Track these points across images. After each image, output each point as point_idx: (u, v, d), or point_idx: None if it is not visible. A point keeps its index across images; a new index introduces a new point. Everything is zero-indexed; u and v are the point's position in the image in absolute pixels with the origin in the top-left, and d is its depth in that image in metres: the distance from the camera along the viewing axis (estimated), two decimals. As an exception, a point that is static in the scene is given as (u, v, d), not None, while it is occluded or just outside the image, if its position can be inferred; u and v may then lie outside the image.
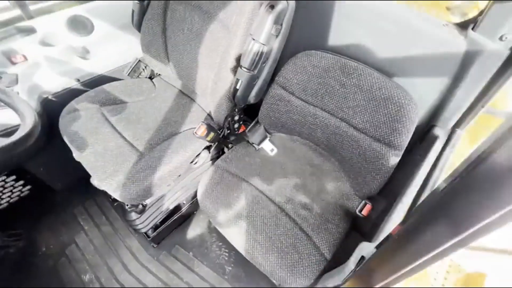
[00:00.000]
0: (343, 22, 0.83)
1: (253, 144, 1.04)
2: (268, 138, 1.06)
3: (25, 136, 0.77)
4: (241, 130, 1.13)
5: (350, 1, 0.80)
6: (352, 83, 0.78)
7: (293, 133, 1.03)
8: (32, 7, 1.21)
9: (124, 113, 1.04)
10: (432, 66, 0.74)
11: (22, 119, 0.80)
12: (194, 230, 1.32)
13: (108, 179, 0.83)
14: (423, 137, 0.82)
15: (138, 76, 1.24)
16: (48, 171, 1.23)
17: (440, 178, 0.68)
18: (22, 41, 1.11)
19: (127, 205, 0.96)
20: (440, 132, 0.77)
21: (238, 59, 0.87)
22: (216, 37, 0.90)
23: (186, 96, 1.18)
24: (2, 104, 0.87)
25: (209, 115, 1.12)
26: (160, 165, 0.88)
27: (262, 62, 0.79)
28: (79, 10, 1.23)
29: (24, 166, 1.12)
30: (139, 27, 1.08)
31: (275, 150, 1.04)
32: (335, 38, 0.86)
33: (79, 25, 1.21)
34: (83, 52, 1.21)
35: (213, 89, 0.95)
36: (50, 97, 1.11)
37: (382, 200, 0.79)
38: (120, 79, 1.27)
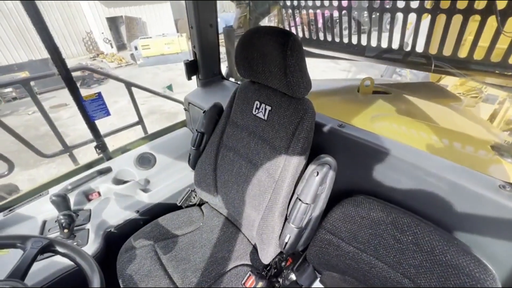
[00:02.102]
0: (389, 172, 0.85)
1: (303, 287, 0.97)
2: (318, 279, 0.98)
3: None
4: (288, 263, 1.08)
5: (393, 152, 0.84)
6: (409, 241, 0.74)
7: (347, 275, 0.95)
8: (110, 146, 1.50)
9: (174, 250, 1.09)
10: (498, 227, 0.68)
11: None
12: None
13: None
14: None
15: (188, 204, 1.34)
16: None
17: None
18: (99, 180, 1.33)
19: None
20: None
21: (283, 211, 0.90)
22: (263, 184, 0.98)
23: (232, 225, 1.22)
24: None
25: (254, 247, 1.11)
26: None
27: (309, 216, 0.82)
28: (146, 148, 1.48)
29: None
30: (193, 167, 1.23)
31: (328, 294, 0.95)
32: (382, 184, 0.87)
33: (145, 161, 1.44)
34: (145, 184, 1.40)
35: (260, 233, 0.97)
36: (112, 230, 1.23)
37: None
38: (172, 205, 1.40)
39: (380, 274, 0.81)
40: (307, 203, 0.78)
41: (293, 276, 1.02)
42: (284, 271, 1.04)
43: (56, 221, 1.08)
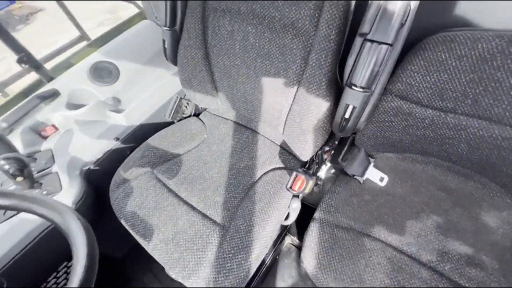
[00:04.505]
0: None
1: (355, 177, 0.77)
2: (372, 164, 0.78)
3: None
4: (327, 156, 0.86)
5: None
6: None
7: (408, 151, 0.74)
8: (48, 65, 1.04)
9: (182, 172, 0.82)
10: None
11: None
12: (285, 281, 1.08)
13: (192, 277, 0.61)
14: None
15: (182, 117, 1.02)
16: (106, 241, 1.06)
17: None
18: (47, 109, 0.94)
19: None
20: None
21: (333, 75, 0.60)
22: (288, 48, 0.64)
23: (246, 128, 0.94)
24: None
25: (282, 147, 0.87)
26: (253, 239, 0.65)
27: (381, 72, 0.52)
28: (99, 56, 1.04)
29: None
30: (174, 59, 0.85)
31: (386, 178, 0.76)
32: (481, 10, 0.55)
33: (103, 73, 1.02)
34: (114, 104, 1.02)
35: (294, 120, 0.69)
36: (92, 167, 0.93)
37: None
38: (160, 124, 1.07)
39: (473, 135, 0.59)
40: (388, 44, 0.47)
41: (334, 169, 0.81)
42: (326, 163, 0.83)
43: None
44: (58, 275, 0.91)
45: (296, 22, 0.60)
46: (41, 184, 0.82)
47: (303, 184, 0.65)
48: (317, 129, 0.66)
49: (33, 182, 0.79)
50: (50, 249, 0.80)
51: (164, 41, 0.83)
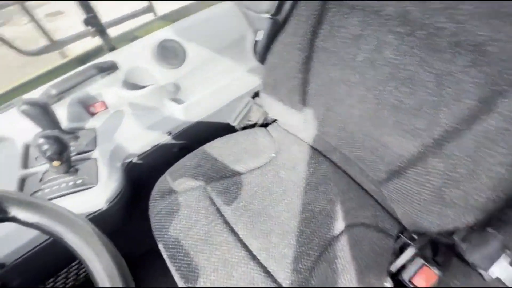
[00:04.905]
0: None
1: (478, 269, 0.55)
2: (508, 258, 0.55)
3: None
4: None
5: None
6: None
7: None
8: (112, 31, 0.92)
9: (241, 198, 0.65)
10: None
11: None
12: None
13: None
14: None
15: (246, 124, 0.85)
16: (126, 240, 0.93)
17: None
18: (101, 83, 0.81)
19: None
20: None
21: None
22: (455, 79, 0.43)
23: (324, 158, 0.74)
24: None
25: (374, 198, 0.66)
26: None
27: None
28: (167, 33, 0.89)
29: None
30: (264, 56, 0.68)
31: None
32: None
33: (169, 54, 0.88)
34: (174, 91, 0.87)
35: (423, 177, 0.48)
36: (135, 160, 0.79)
37: None
38: (221, 125, 0.91)
39: None
40: None
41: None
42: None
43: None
44: (69, 273, 0.79)
45: (487, 45, 0.40)
46: (77, 170, 0.69)
47: (432, 279, 0.45)
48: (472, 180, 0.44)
49: (69, 167, 0.67)
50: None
51: (255, 32, 0.65)
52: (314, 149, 0.76)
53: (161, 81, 0.86)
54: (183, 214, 0.61)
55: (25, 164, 0.70)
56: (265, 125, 0.87)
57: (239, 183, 0.68)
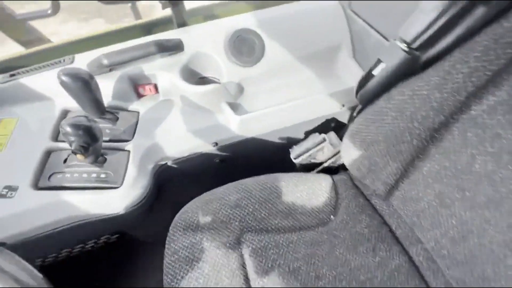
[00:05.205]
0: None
1: None
2: None
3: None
4: None
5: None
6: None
7: None
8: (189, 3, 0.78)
9: (279, 271, 0.49)
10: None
11: None
12: None
13: None
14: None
15: (309, 161, 0.67)
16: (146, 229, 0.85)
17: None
18: (159, 63, 0.68)
19: None
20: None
21: None
22: None
23: (400, 247, 0.54)
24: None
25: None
26: None
27: None
28: (248, 21, 0.72)
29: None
30: (371, 95, 0.48)
31: None
32: None
33: (244, 47, 0.71)
34: (235, 95, 0.72)
35: None
36: (170, 163, 0.67)
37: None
38: (279, 146, 0.75)
39: None
40: None
41: None
42: None
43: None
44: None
45: None
46: (105, 160, 0.59)
47: None
48: None
49: (97, 158, 0.56)
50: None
51: (371, 68, 0.45)
52: (390, 231, 0.56)
53: (225, 77, 0.71)
54: (203, 269, 0.48)
55: (55, 135, 0.62)
56: (334, 171, 0.68)
57: (281, 246, 0.52)
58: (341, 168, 0.68)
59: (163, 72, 0.68)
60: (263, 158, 0.79)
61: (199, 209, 0.55)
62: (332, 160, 0.66)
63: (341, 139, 0.65)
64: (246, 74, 0.71)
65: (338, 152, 0.64)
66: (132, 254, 0.90)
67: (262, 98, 0.73)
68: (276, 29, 0.72)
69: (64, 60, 0.67)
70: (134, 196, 0.58)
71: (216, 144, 0.68)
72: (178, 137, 0.65)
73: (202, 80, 0.75)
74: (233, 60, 0.70)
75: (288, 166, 0.70)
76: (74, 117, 0.48)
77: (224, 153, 0.73)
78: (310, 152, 0.61)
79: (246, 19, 0.72)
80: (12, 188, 0.54)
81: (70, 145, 0.48)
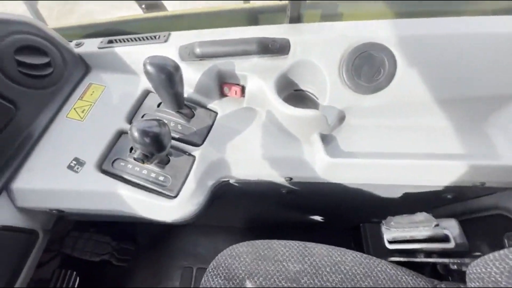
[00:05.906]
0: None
1: None
2: None
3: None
4: None
5: None
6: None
7: None
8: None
9: None
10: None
11: None
12: None
13: None
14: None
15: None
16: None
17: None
18: (254, 63, 0.56)
19: None
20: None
21: None
22: None
23: None
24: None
25: None
26: None
27: None
28: (382, 31, 0.52)
29: None
30: None
31: None
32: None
33: (366, 67, 0.53)
34: (333, 126, 0.55)
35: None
36: (232, 181, 0.57)
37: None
38: (369, 205, 0.58)
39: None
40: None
41: None
42: None
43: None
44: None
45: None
46: (168, 161, 0.53)
47: None
48: None
49: (160, 160, 0.50)
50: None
51: None
52: None
53: (327, 99, 0.55)
54: None
55: (130, 117, 0.58)
56: (434, 267, 0.48)
57: None
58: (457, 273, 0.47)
59: (256, 76, 0.56)
60: (338, 205, 0.62)
61: (249, 264, 0.44)
62: (448, 260, 0.46)
63: (465, 232, 0.44)
64: (355, 102, 0.54)
65: (465, 254, 0.44)
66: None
67: (366, 137, 0.55)
68: (425, 51, 0.51)
69: (159, 37, 0.60)
70: (186, 212, 0.51)
71: (291, 179, 0.55)
72: (251, 159, 0.54)
73: (297, 94, 0.60)
74: (345, 82, 0.53)
75: (368, 228, 0.53)
76: (145, 121, 0.40)
77: (295, 188, 0.60)
78: (414, 246, 0.42)
79: (381, 29, 0.53)
80: (80, 163, 0.52)
81: (134, 150, 0.41)
